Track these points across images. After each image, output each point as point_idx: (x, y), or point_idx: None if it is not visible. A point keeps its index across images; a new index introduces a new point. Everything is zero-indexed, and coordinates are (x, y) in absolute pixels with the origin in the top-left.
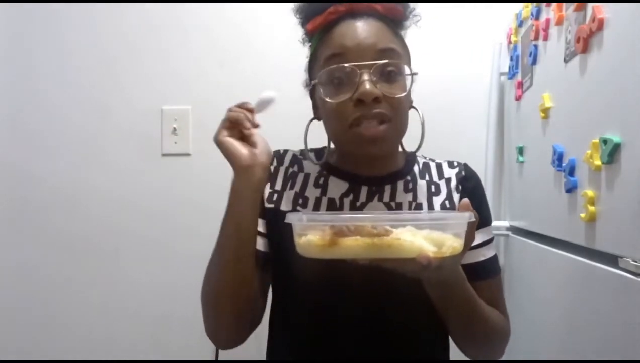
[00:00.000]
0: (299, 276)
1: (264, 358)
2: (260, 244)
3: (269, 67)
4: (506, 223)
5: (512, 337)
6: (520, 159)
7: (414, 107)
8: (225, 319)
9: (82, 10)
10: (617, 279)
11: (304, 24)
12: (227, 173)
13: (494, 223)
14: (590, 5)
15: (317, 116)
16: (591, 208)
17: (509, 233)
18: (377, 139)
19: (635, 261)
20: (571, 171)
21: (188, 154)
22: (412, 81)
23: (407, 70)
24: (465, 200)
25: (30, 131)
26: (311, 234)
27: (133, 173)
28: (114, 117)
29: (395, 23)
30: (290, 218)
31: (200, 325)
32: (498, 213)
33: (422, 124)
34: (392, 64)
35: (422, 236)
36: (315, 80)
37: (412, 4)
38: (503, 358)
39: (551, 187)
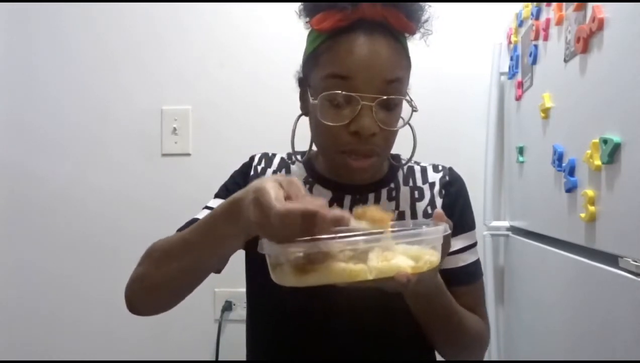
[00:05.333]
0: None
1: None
2: None
3: (269, 67)
4: (506, 223)
5: (512, 336)
6: (520, 159)
7: (409, 125)
8: (152, 303)
9: (83, 10)
10: (617, 279)
11: (308, 15)
12: (227, 173)
13: (494, 223)
14: (590, 5)
15: (304, 111)
16: (591, 208)
17: (509, 233)
18: (364, 172)
19: (635, 261)
20: (571, 171)
21: (188, 154)
22: (412, 113)
23: (409, 96)
24: (439, 211)
25: (30, 131)
26: (285, 264)
27: (133, 173)
28: (114, 117)
29: (405, 37)
30: (265, 248)
31: (200, 325)
32: (498, 213)
33: (414, 139)
34: (396, 98)
35: (400, 251)
36: (309, 86)
37: (427, 15)
38: (504, 359)
39: (551, 187)
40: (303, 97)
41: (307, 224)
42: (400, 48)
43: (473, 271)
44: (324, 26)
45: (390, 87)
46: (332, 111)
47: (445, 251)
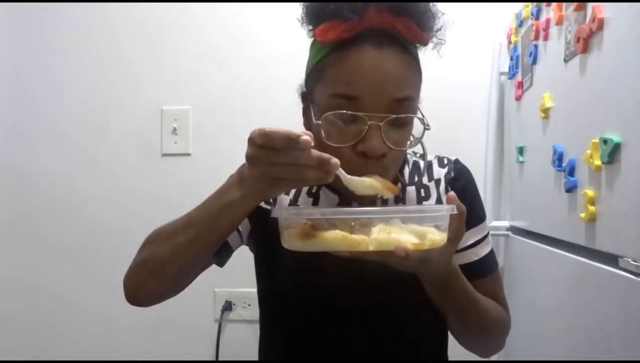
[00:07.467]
0: (286, 273)
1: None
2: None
3: (268, 68)
4: (506, 223)
5: (512, 337)
6: (520, 159)
7: (421, 143)
8: (158, 285)
9: (83, 10)
10: (617, 279)
11: (312, 24)
12: (227, 173)
13: (494, 223)
14: (590, 5)
15: (307, 128)
16: (591, 208)
17: (509, 233)
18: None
19: (635, 261)
20: (571, 171)
21: (188, 154)
22: (424, 130)
23: (421, 113)
24: (452, 194)
25: (30, 132)
26: (293, 228)
27: (133, 173)
28: (114, 117)
29: (416, 47)
30: (276, 212)
31: (200, 325)
32: (498, 213)
33: (425, 155)
34: (407, 117)
35: (407, 230)
36: (312, 96)
37: (440, 23)
38: (503, 358)
39: (551, 187)
40: (306, 113)
41: (290, 147)
42: (411, 61)
43: (488, 264)
44: (327, 38)
45: (400, 106)
46: (337, 132)
47: (458, 234)
